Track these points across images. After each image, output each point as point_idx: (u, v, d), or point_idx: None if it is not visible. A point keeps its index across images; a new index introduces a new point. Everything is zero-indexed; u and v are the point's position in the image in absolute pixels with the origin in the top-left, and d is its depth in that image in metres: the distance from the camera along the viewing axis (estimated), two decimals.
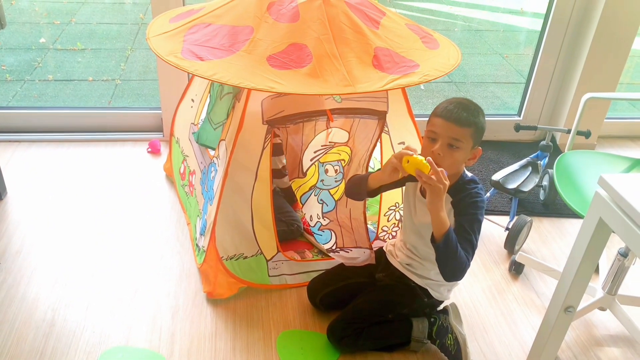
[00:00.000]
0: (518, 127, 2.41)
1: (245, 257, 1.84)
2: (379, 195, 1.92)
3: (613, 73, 2.67)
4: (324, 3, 1.66)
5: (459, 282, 1.73)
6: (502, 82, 4.02)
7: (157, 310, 1.80)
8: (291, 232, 2.04)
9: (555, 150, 2.67)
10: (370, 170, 1.85)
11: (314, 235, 1.91)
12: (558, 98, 2.85)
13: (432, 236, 1.45)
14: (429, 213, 1.43)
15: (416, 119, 1.92)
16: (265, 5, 1.69)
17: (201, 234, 1.90)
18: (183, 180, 2.24)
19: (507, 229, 2.17)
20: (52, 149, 2.61)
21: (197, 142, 2.04)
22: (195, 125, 2.14)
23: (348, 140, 1.81)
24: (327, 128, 1.77)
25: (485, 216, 2.28)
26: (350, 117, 1.77)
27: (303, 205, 1.86)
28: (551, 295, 1.48)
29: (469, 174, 1.56)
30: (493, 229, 2.27)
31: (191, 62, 1.58)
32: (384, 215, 2.00)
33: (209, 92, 2.02)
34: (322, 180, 1.84)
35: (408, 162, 1.40)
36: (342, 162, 1.84)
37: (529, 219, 2.14)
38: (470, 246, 1.47)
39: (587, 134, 2.28)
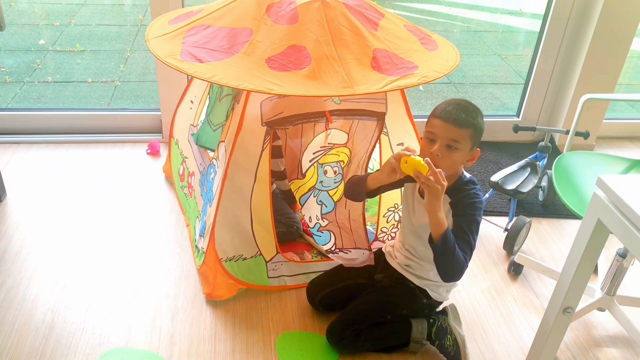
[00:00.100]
0: (517, 128, 2.41)
1: (245, 259, 1.84)
2: (378, 197, 1.92)
3: (612, 74, 2.68)
4: (323, 5, 1.66)
5: (457, 282, 1.73)
6: (501, 83, 4.02)
7: (156, 312, 1.80)
8: (290, 234, 2.05)
9: (554, 151, 2.67)
10: (369, 171, 1.85)
11: (313, 236, 1.91)
12: (557, 99, 2.85)
13: (430, 237, 1.45)
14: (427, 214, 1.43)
15: (415, 120, 1.92)
16: (264, 7, 1.69)
17: (200, 236, 1.91)
18: (182, 182, 2.25)
19: (506, 229, 2.17)
20: (51, 150, 2.61)
21: (196, 144, 2.04)
22: (194, 126, 2.14)
23: (347, 142, 1.81)
24: (326, 129, 1.77)
25: (484, 217, 2.29)
26: (349, 118, 1.77)
27: (302, 206, 1.86)
28: (550, 296, 1.48)
29: (468, 175, 1.57)
30: (492, 230, 2.27)
31: (190, 64, 1.58)
32: (383, 217, 2.00)
33: (208, 93, 2.02)
34: (321, 182, 1.84)
35: (406, 162, 1.41)
36: (341, 163, 1.84)
37: (527, 219, 2.15)
38: (468, 247, 1.47)
39: (585, 135, 2.28)
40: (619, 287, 1.79)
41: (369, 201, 2.10)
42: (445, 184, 1.38)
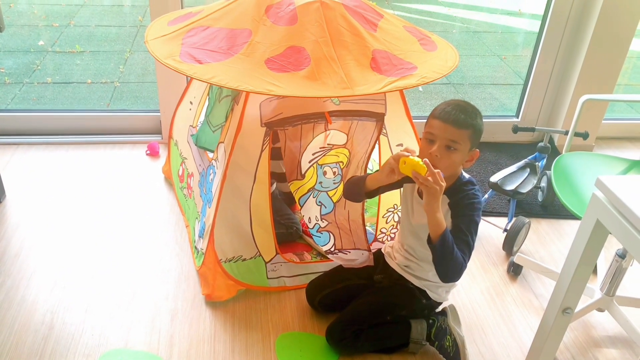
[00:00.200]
0: (516, 129, 2.41)
1: (244, 260, 1.84)
2: (377, 197, 1.93)
3: (611, 74, 2.68)
4: (322, 6, 1.66)
5: (457, 283, 1.73)
6: (500, 84, 4.02)
7: (155, 313, 1.80)
8: (290, 234, 2.05)
9: (553, 152, 2.67)
10: (368, 172, 1.85)
11: (313, 237, 1.91)
12: (556, 99, 2.85)
13: (429, 237, 1.45)
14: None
15: (414, 120, 1.92)
16: (263, 8, 1.69)
17: (200, 237, 1.91)
18: (182, 183, 2.25)
19: (505, 230, 2.17)
20: (50, 151, 2.61)
21: (195, 145, 2.04)
22: (193, 127, 2.14)
23: (346, 142, 1.81)
24: (326, 130, 1.77)
25: (483, 218, 2.30)
26: (349, 119, 1.77)
27: (301, 207, 1.86)
28: (549, 296, 1.48)
29: (467, 176, 1.57)
30: (491, 231, 2.27)
31: (189, 65, 1.58)
32: (383, 217, 2.00)
33: (208, 94, 2.02)
34: (320, 182, 1.84)
35: (405, 163, 1.41)
36: (341, 164, 1.84)
37: (527, 220, 2.15)
38: (467, 247, 1.47)
39: (584, 136, 2.28)
40: (618, 288, 1.79)
41: (368, 202, 2.10)
42: (444, 184, 1.38)
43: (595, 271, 2.00)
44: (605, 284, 1.80)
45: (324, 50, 1.59)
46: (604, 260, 1.99)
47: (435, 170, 1.37)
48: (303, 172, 1.82)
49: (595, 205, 1.28)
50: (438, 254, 1.45)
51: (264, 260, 1.86)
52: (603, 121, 2.85)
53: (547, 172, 2.38)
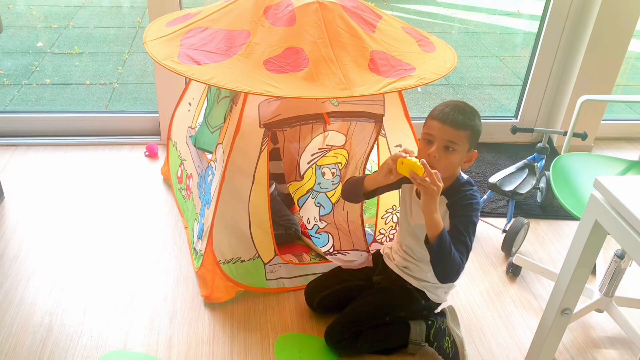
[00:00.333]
0: (515, 129, 2.41)
1: (243, 261, 1.84)
2: (376, 198, 1.93)
3: (609, 75, 2.68)
4: (320, 7, 1.66)
5: (456, 284, 1.73)
6: (499, 85, 4.03)
7: (154, 315, 1.80)
8: (289, 235, 2.05)
9: (552, 152, 2.67)
10: (367, 173, 1.85)
11: (312, 238, 1.91)
12: (555, 100, 2.86)
13: (426, 237, 1.45)
14: None
15: (413, 121, 1.92)
16: (261, 10, 1.69)
17: (198, 238, 1.91)
18: (180, 184, 2.25)
19: (504, 231, 2.17)
20: (49, 153, 2.61)
21: (194, 146, 2.04)
22: (192, 128, 2.14)
23: (345, 143, 1.81)
24: (324, 131, 1.77)
25: (482, 218, 2.30)
26: (347, 120, 1.77)
27: (300, 208, 1.86)
28: (548, 297, 1.48)
29: (465, 176, 1.57)
30: (490, 231, 2.27)
31: (188, 66, 1.58)
32: (382, 218, 2.00)
33: (206, 95, 2.02)
34: (319, 183, 1.84)
35: (402, 164, 1.41)
36: (339, 165, 1.84)
37: (526, 221, 2.15)
38: (465, 248, 1.47)
39: (583, 136, 2.28)
40: (617, 289, 1.80)
41: (367, 203, 2.10)
42: (441, 185, 1.39)
43: (594, 272, 2.00)
44: (604, 284, 1.80)
45: (323, 52, 1.59)
46: (603, 261, 1.99)
47: (433, 171, 1.37)
48: (302, 173, 1.82)
49: (593, 206, 1.28)
50: (435, 255, 1.45)
51: (263, 262, 1.86)
52: (602, 122, 2.85)
53: (546, 172, 2.38)
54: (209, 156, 1.96)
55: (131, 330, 1.74)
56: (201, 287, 1.88)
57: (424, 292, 1.67)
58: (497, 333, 1.82)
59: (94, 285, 1.90)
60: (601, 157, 2.05)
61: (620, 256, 1.73)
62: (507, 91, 3.91)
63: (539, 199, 2.46)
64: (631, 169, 1.93)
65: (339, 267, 1.84)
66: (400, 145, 1.93)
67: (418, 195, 1.57)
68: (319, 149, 1.80)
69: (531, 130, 2.43)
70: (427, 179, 1.37)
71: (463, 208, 1.50)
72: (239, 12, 1.72)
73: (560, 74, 2.78)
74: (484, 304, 1.94)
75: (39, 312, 1.79)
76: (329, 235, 1.88)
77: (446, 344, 1.67)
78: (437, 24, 5.11)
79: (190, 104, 2.20)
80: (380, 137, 1.85)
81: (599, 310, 1.85)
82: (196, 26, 1.74)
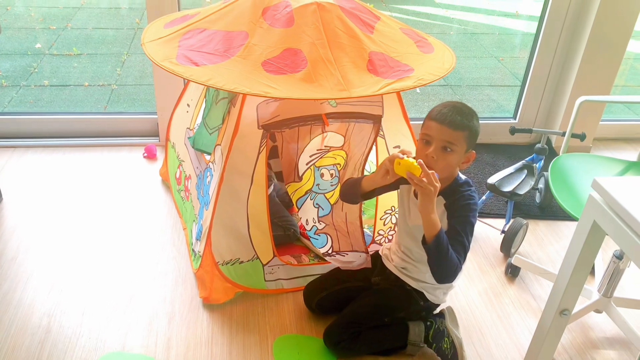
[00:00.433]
0: (513, 130, 2.41)
1: (242, 262, 1.84)
2: (375, 199, 1.93)
3: (608, 75, 2.68)
4: (319, 8, 1.66)
5: (455, 285, 1.73)
6: (498, 85, 4.03)
7: (153, 316, 1.80)
8: (287, 237, 2.04)
9: (550, 153, 2.67)
10: (365, 174, 1.85)
11: (310, 239, 1.91)
12: (553, 101, 2.86)
13: (424, 237, 1.45)
14: None
15: (412, 122, 1.92)
16: (260, 11, 1.69)
17: (197, 239, 1.90)
18: (179, 185, 2.24)
19: (503, 231, 2.17)
20: (47, 154, 2.61)
21: (192, 147, 2.04)
22: (191, 130, 2.14)
23: (343, 144, 1.81)
24: (323, 132, 1.77)
25: (481, 219, 2.30)
26: (346, 121, 1.77)
27: (299, 209, 1.86)
28: (547, 298, 1.48)
29: (463, 177, 1.57)
30: (489, 232, 2.27)
31: (186, 67, 1.58)
32: (380, 219, 2.00)
33: (205, 97, 2.02)
34: (317, 185, 1.84)
35: (399, 164, 1.41)
36: (338, 166, 1.84)
37: (524, 221, 2.15)
38: (462, 248, 1.47)
39: (581, 137, 2.28)
40: (616, 289, 1.79)
41: (366, 204, 2.10)
42: (439, 185, 1.38)
43: (593, 272, 2.00)
44: (602, 285, 1.80)
45: (321, 53, 1.59)
46: (602, 262, 1.99)
47: (430, 171, 1.37)
48: (300, 174, 1.82)
49: (592, 207, 1.28)
50: (432, 255, 1.45)
51: (262, 263, 1.86)
52: (600, 122, 2.85)
53: (545, 173, 2.38)
54: (208, 157, 1.96)
55: (130, 331, 1.74)
56: (200, 289, 1.88)
57: (422, 293, 1.67)
58: (496, 334, 1.82)
59: (93, 286, 1.90)
60: (600, 158, 2.05)
61: (619, 257, 1.73)
62: (505, 92, 3.92)
63: (537, 200, 2.46)
64: (630, 169, 1.93)
65: (338, 268, 1.84)
66: (398, 146, 1.93)
67: (416, 195, 1.57)
68: (317, 150, 1.80)
69: (530, 131, 2.43)
70: (424, 179, 1.37)
71: (461, 208, 1.50)
72: (237, 14, 1.72)
73: (558, 74, 2.78)
74: (482, 304, 1.94)
75: (37, 313, 1.78)
76: (328, 236, 1.88)
77: (445, 345, 1.67)
78: (436, 25, 5.11)
79: (188, 105, 2.20)
80: (378, 138, 1.85)
81: (598, 311, 1.85)
82: (194, 27, 1.74)
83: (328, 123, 1.75)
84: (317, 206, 1.86)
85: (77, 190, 2.37)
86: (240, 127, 1.70)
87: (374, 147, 1.85)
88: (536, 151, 2.37)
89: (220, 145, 1.81)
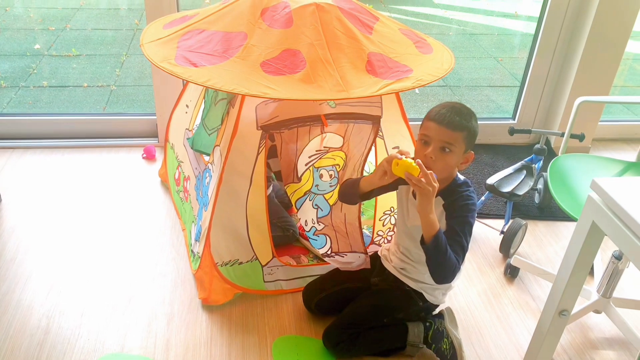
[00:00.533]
0: (512, 131, 2.41)
1: (241, 263, 1.84)
2: (374, 200, 1.93)
3: (607, 76, 2.68)
4: (317, 9, 1.66)
5: (454, 285, 1.73)
6: (497, 86, 4.03)
7: (152, 317, 1.80)
8: (286, 237, 2.04)
9: (549, 154, 2.67)
10: (365, 174, 1.85)
11: (309, 240, 1.91)
12: (552, 101, 2.86)
13: (422, 238, 1.45)
14: None
15: (411, 122, 1.92)
16: (258, 12, 1.69)
17: (196, 240, 1.90)
18: (178, 186, 2.24)
19: (502, 232, 2.17)
20: (46, 155, 2.61)
21: (191, 148, 2.04)
22: (189, 130, 2.14)
23: (342, 145, 1.81)
24: (322, 133, 1.77)
25: (480, 220, 2.30)
26: (345, 122, 1.77)
27: (298, 210, 1.86)
28: (546, 298, 1.48)
29: (462, 177, 1.57)
30: (488, 233, 2.27)
31: (185, 68, 1.58)
32: (379, 220, 2.00)
33: (204, 98, 2.02)
34: (316, 185, 1.84)
35: (397, 165, 1.40)
36: (337, 167, 1.84)
37: (524, 222, 2.15)
38: (461, 248, 1.47)
39: (580, 137, 2.28)
40: (615, 289, 1.80)
41: (365, 204, 2.10)
42: (437, 185, 1.38)
43: (592, 273, 2.00)
44: (601, 285, 1.80)
45: (320, 53, 1.59)
46: (601, 262, 1.99)
47: (428, 172, 1.37)
48: (299, 175, 1.82)
49: (590, 207, 1.28)
50: (431, 255, 1.45)
51: (261, 264, 1.86)
52: (599, 123, 2.85)
53: (544, 174, 2.39)
54: (207, 158, 1.96)
55: (128, 332, 1.74)
56: (199, 290, 1.88)
57: (421, 294, 1.67)
58: (495, 334, 1.82)
59: (92, 287, 1.90)
60: (599, 158, 2.05)
61: (618, 257, 1.73)
62: (504, 92, 3.92)
63: (536, 200, 2.46)
64: (628, 170, 1.94)
65: (337, 269, 1.84)
66: (397, 147, 1.93)
67: (414, 196, 1.57)
68: (316, 150, 1.80)
69: (529, 132, 2.43)
70: (422, 179, 1.37)
71: (459, 209, 1.50)
72: (236, 14, 1.72)
73: (557, 75, 2.79)
74: (482, 305, 1.93)
75: (36, 314, 1.78)
76: (327, 237, 1.88)
77: (444, 346, 1.67)
78: (435, 26, 5.12)
79: (187, 106, 2.19)
80: (377, 138, 1.85)
81: (597, 312, 1.85)
82: (193, 28, 1.74)
83: (327, 124, 1.75)
84: (316, 207, 1.86)
85: (76, 191, 2.37)
86: (239, 128, 1.70)
87: (373, 147, 1.85)
88: (535, 152, 2.37)
89: (219, 146, 1.81)
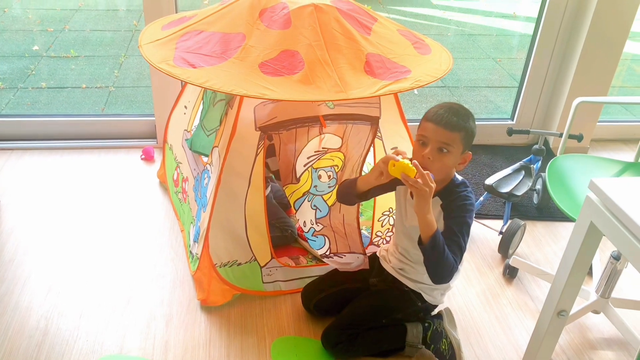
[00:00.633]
0: (511, 131, 2.42)
1: (239, 264, 1.84)
2: (372, 201, 1.93)
3: (605, 76, 2.69)
4: (316, 9, 1.66)
5: (452, 286, 1.73)
6: (495, 86, 4.03)
7: (150, 318, 1.80)
8: (285, 238, 2.04)
9: (548, 154, 2.67)
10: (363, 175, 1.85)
11: (308, 240, 1.91)
12: (551, 102, 2.86)
13: (420, 238, 1.45)
14: None
15: (410, 123, 1.92)
16: (257, 12, 1.69)
17: (195, 241, 1.90)
18: (176, 187, 2.24)
19: (500, 232, 2.18)
20: (45, 156, 2.61)
21: (190, 149, 2.04)
22: (188, 132, 2.14)
23: (341, 146, 1.81)
24: (320, 134, 1.77)
25: (479, 220, 2.30)
26: (343, 122, 1.77)
27: (296, 211, 1.86)
28: (545, 298, 1.48)
29: (460, 178, 1.57)
30: (487, 233, 2.28)
31: (183, 69, 1.58)
32: (378, 221, 2.00)
33: (202, 99, 2.02)
34: (315, 186, 1.84)
35: (394, 166, 1.40)
36: (336, 167, 1.84)
37: (522, 222, 2.15)
38: (459, 249, 1.47)
39: (579, 138, 2.29)
40: (614, 290, 1.80)
41: (364, 205, 2.10)
42: (434, 186, 1.38)
43: (590, 273, 2.00)
44: (600, 285, 1.80)
45: (318, 54, 1.59)
46: (599, 262, 2.00)
47: (425, 172, 1.37)
48: (298, 176, 1.82)
49: (589, 208, 1.28)
50: (429, 255, 1.45)
51: (259, 265, 1.86)
52: (598, 123, 2.85)
53: (542, 174, 2.39)
54: (205, 159, 1.96)
55: (127, 334, 1.74)
56: (197, 291, 1.88)
57: (420, 294, 1.67)
58: (493, 335, 1.82)
59: (90, 289, 1.89)
60: (597, 159, 2.05)
61: (617, 257, 1.74)
62: (503, 93, 3.92)
63: (535, 201, 2.47)
64: (627, 170, 1.94)
65: (336, 269, 1.84)
66: (396, 148, 1.92)
67: (412, 196, 1.57)
68: (315, 151, 1.80)
69: (527, 132, 2.43)
70: (419, 180, 1.37)
71: (457, 209, 1.50)
72: (234, 15, 1.72)
73: (556, 75, 2.79)
74: (480, 305, 1.94)
75: (34, 315, 1.78)
76: (326, 238, 1.88)
77: (443, 346, 1.67)
78: (433, 27, 5.12)
79: (186, 107, 2.19)
80: (376, 139, 1.85)
81: (596, 312, 1.85)
82: (192, 29, 1.74)
83: (325, 125, 1.75)
84: (314, 208, 1.86)
85: (75, 193, 2.37)
86: (237, 129, 1.70)
87: (371, 148, 1.85)
88: (534, 152, 2.37)
89: (217, 147, 1.81)
